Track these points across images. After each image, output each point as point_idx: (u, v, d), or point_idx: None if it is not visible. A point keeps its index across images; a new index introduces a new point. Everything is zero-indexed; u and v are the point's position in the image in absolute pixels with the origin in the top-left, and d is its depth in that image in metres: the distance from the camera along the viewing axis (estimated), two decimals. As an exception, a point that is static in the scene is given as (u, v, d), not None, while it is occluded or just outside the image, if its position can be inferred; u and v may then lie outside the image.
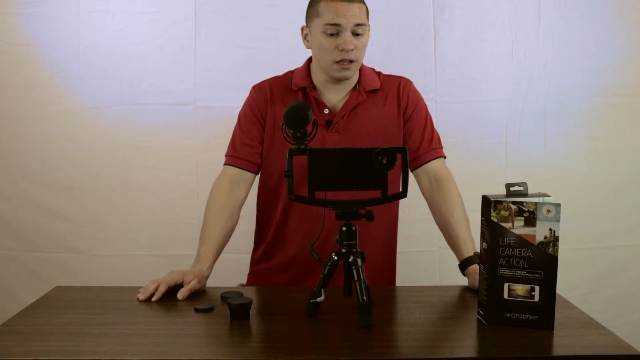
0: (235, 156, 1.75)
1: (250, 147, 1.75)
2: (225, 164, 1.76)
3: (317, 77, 1.74)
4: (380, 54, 2.25)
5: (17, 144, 2.41)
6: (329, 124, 1.72)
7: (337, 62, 1.66)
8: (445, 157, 1.78)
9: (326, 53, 1.67)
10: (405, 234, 1.87)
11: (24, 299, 1.64)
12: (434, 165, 1.75)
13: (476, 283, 1.41)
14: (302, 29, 1.74)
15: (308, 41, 1.73)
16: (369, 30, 1.70)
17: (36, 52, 2.37)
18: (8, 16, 2.36)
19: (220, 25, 2.37)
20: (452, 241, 1.66)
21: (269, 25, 2.36)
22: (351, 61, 1.66)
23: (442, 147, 1.79)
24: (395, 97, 1.76)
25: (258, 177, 1.80)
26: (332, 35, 1.64)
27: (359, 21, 1.64)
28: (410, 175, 1.69)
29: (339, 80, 1.71)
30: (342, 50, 1.64)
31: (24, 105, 2.39)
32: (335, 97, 1.74)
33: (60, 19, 2.36)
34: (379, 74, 1.80)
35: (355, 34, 1.64)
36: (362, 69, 1.76)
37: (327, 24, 1.64)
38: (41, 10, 2.35)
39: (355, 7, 1.64)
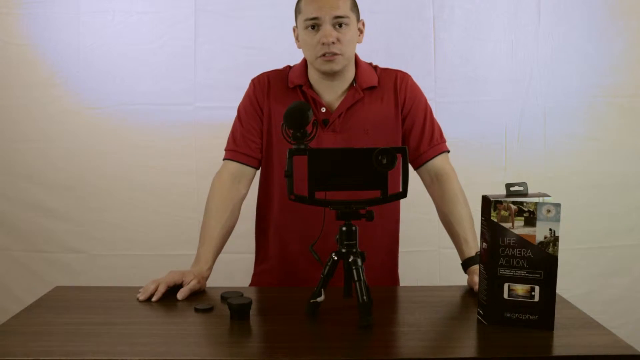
0: (236, 150, 1.73)
1: (251, 141, 1.73)
2: (225, 159, 1.74)
3: (312, 74, 1.72)
4: (381, 54, 2.23)
5: (17, 144, 2.41)
6: (325, 122, 1.70)
7: (321, 56, 1.65)
8: (448, 151, 1.75)
9: (310, 49, 1.66)
10: (405, 234, 1.86)
11: (24, 299, 1.64)
12: (436, 162, 1.73)
13: (475, 283, 1.41)
14: (294, 30, 1.73)
15: (299, 41, 1.72)
16: (356, 23, 1.68)
17: (36, 52, 2.37)
18: (8, 16, 2.36)
19: (220, 25, 2.37)
20: (454, 240, 1.66)
21: (269, 25, 2.36)
22: (335, 54, 1.64)
23: (444, 142, 1.76)
24: (393, 93, 1.73)
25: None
26: (313, 29, 1.64)
27: (338, 13, 1.62)
28: (411, 175, 1.68)
29: (331, 76, 1.69)
30: (324, 43, 1.62)
31: (24, 105, 2.39)
32: (331, 95, 1.72)
33: (60, 19, 2.36)
34: (375, 67, 1.77)
35: (338, 26, 1.63)
36: (358, 66, 1.74)
37: (307, 19, 1.64)
38: (41, 10, 2.35)
39: (334, 0, 1.63)
